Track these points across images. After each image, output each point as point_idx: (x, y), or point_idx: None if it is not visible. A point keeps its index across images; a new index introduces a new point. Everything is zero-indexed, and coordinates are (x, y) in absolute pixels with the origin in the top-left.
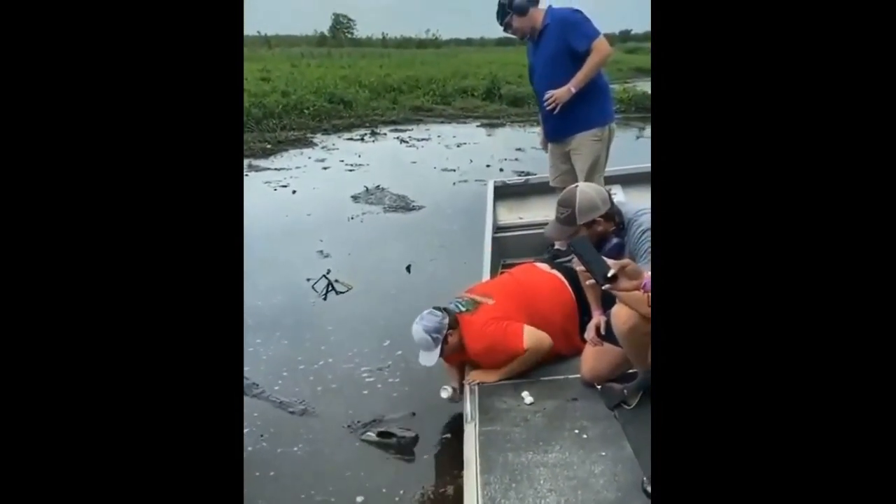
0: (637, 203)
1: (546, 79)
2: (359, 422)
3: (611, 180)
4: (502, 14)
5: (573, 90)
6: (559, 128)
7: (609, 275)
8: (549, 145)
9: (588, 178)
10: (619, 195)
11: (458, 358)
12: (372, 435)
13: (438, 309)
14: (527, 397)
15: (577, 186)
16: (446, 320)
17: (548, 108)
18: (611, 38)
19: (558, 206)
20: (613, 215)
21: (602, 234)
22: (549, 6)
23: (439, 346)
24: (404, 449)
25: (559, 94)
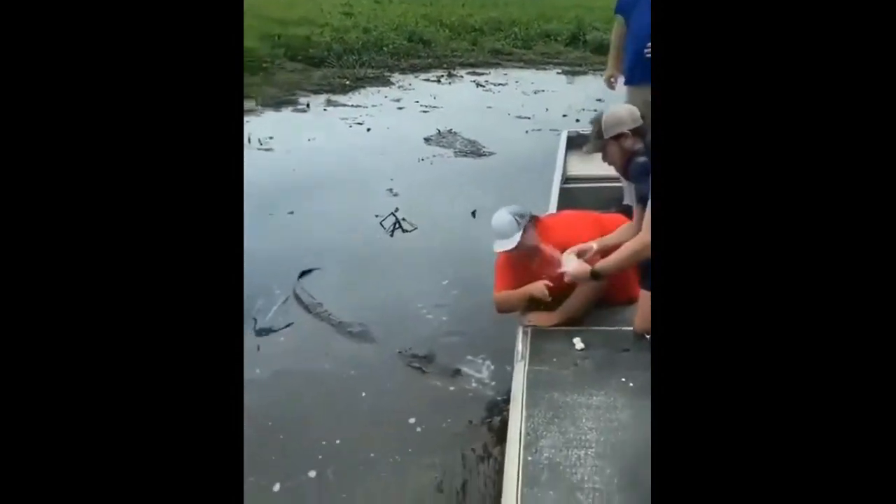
0: None
1: (649, 24)
2: (410, 350)
3: None
4: None
5: None
6: (648, 72)
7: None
8: (629, 91)
9: None
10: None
11: (526, 268)
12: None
13: None
14: (578, 343)
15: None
16: (530, 211)
17: (648, 55)
18: None
19: (590, 123)
20: (643, 132)
21: (630, 149)
22: None
23: (520, 232)
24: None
25: None
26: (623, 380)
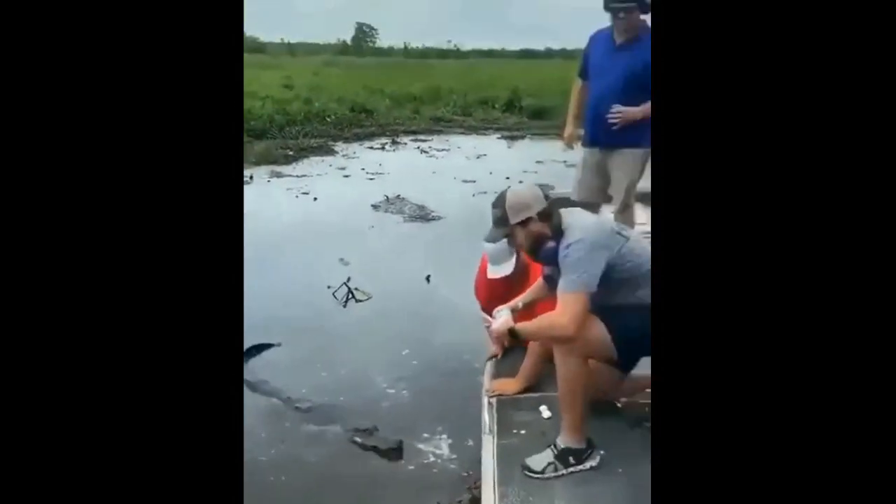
0: (585, 218)
1: (618, 89)
2: (365, 429)
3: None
4: None
5: (641, 116)
6: (612, 136)
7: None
8: (586, 154)
9: (626, 197)
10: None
11: (514, 290)
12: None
13: None
14: (545, 411)
15: (509, 187)
16: None
17: (611, 120)
18: None
19: (492, 209)
20: (550, 214)
21: (538, 234)
22: (645, 22)
23: (515, 256)
24: (390, 454)
25: (632, 113)
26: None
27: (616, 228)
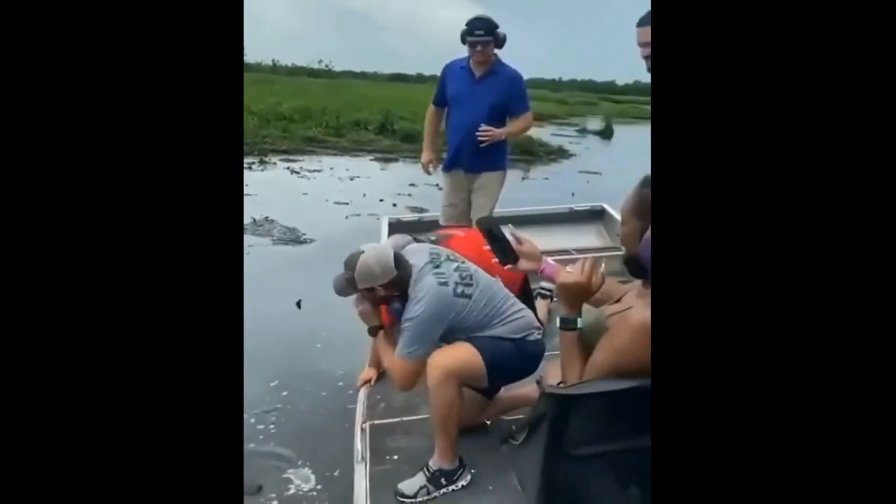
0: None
1: (482, 118)
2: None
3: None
4: (482, 28)
5: (504, 136)
6: (475, 161)
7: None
8: (449, 179)
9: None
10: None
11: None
12: None
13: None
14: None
15: (362, 253)
16: None
17: (480, 138)
18: None
19: (344, 265)
20: (395, 283)
21: (383, 298)
22: (497, 56)
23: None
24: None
25: (497, 132)
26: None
27: (459, 290)
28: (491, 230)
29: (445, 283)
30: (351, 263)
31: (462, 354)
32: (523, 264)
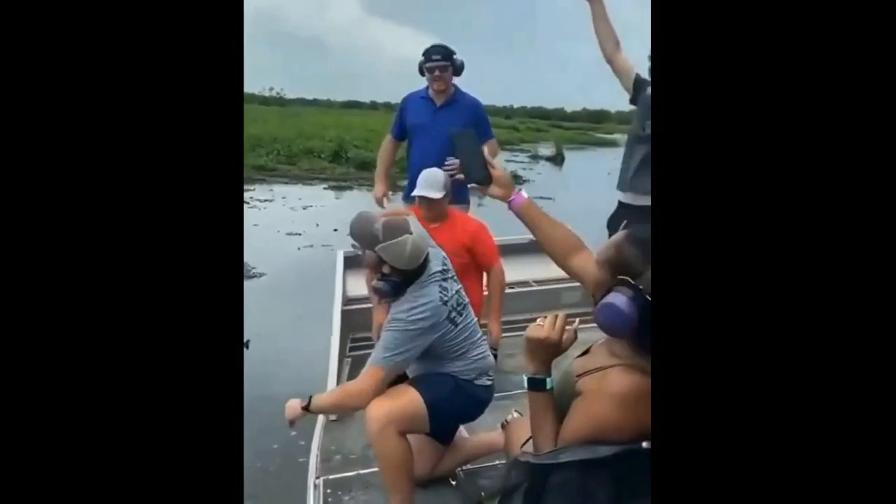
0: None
1: (443, 147)
2: None
3: None
4: (439, 54)
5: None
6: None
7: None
8: (407, 206)
9: None
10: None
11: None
12: None
13: None
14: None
15: (407, 227)
16: None
17: (450, 171)
18: None
19: (383, 228)
20: (404, 272)
21: (380, 271)
22: (456, 85)
23: (448, 191)
24: None
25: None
26: None
27: (452, 315)
28: (466, 141)
29: (445, 303)
30: (389, 232)
31: (400, 400)
32: (494, 190)
